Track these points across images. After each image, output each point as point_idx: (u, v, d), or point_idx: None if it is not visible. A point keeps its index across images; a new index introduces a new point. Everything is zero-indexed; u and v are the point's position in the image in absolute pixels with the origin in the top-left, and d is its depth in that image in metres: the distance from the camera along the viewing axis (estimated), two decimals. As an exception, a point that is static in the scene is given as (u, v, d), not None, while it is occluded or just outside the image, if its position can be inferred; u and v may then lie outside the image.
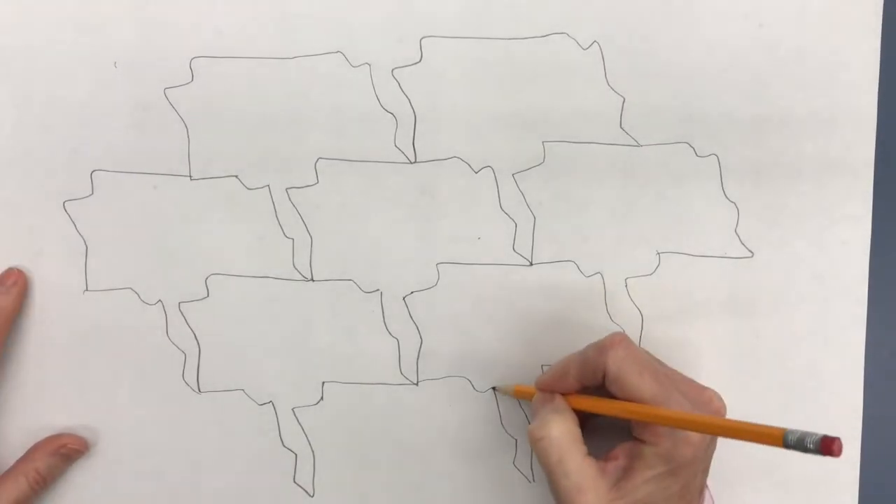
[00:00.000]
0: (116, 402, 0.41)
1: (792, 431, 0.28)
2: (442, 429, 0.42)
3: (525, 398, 0.40)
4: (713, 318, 0.41)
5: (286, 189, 0.41)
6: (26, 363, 0.41)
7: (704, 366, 0.41)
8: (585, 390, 0.37)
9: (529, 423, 0.37)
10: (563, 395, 0.37)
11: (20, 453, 0.40)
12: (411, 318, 0.41)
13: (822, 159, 0.41)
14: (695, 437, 0.34)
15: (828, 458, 0.41)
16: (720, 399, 0.36)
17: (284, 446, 0.42)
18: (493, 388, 0.41)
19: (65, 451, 0.40)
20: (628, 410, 0.34)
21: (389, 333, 0.41)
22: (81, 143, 0.41)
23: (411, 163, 0.41)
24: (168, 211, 0.41)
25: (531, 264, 0.41)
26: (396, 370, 0.41)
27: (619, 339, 0.35)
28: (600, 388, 0.36)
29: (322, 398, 0.42)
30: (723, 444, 0.41)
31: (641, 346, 0.41)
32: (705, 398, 0.36)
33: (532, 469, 0.42)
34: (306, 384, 0.42)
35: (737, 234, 0.41)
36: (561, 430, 0.35)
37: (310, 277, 0.41)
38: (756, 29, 0.40)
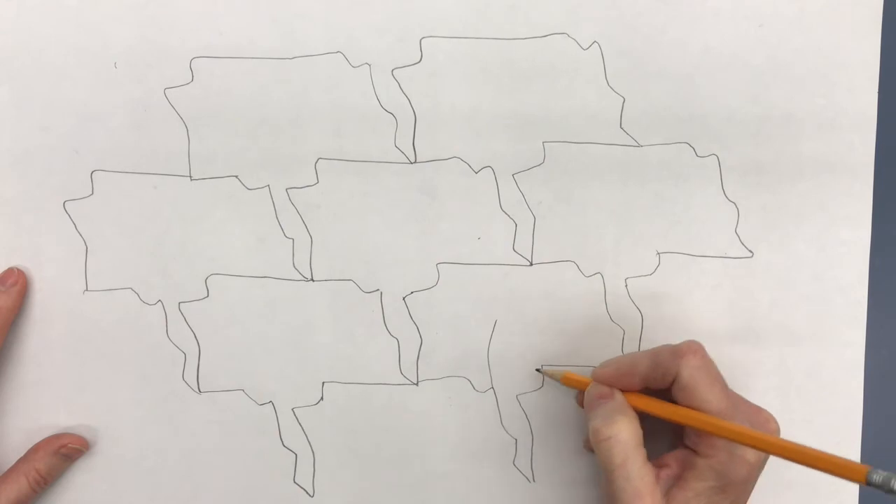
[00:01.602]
0: (116, 402, 0.41)
1: (877, 472, 0.28)
2: (442, 429, 0.42)
3: (573, 387, 0.39)
4: (713, 319, 0.41)
5: (286, 189, 0.41)
6: (26, 363, 0.41)
7: (704, 366, 0.41)
8: (643, 391, 0.37)
9: (590, 422, 0.36)
10: (623, 391, 0.37)
11: (20, 453, 0.41)
12: (411, 318, 0.41)
13: (822, 159, 0.41)
14: (751, 456, 0.34)
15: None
16: (775, 421, 0.37)
17: (284, 446, 0.42)
18: (539, 370, 0.41)
19: (65, 451, 0.40)
20: (700, 420, 0.34)
21: (389, 333, 0.41)
22: (81, 143, 0.41)
23: (411, 163, 0.41)
24: (168, 211, 0.41)
25: (531, 264, 0.41)
26: (396, 370, 0.41)
27: (696, 347, 0.35)
28: (661, 391, 0.36)
29: (322, 398, 0.42)
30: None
31: (641, 346, 0.41)
32: (762, 419, 0.36)
33: (532, 469, 0.42)
34: (306, 384, 0.42)
35: (737, 234, 0.41)
36: (629, 432, 0.35)
37: (310, 277, 0.41)
38: (756, 29, 0.40)
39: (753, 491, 0.41)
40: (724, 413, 0.34)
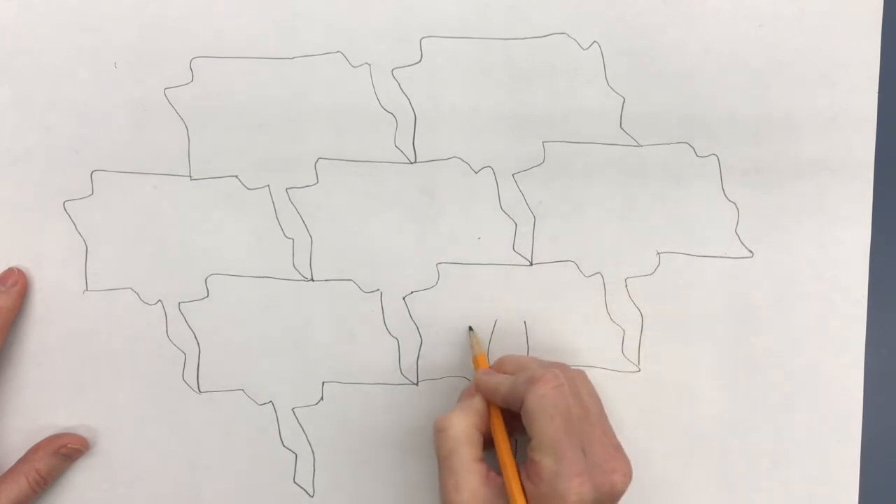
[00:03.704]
0: (116, 402, 0.41)
1: None
2: (442, 429, 0.42)
3: (475, 367, 0.39)
4: (713, 318, 0.41)
5: (286, 189, 0.41)
6: (26, 363, 0.41)
7: (705, 366, 0.41)
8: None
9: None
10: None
11: (20, 453, 0.41)
12: (411, 318, 0.41)
13: (822, 159, 0.41)
14: (572, 497, 0.32)
15: (827, 457, 0.42)
16: (625, 476, 0.34)
17: (284, 446, 0.42)
18: (470, 328, 0.41)
19: (65, 451, 0.40)
20: (502, 461, 0.35)
21: (389, 333, 0.41)
22: (81, 143, 0.41)
23: (411, 163, 0.41)
24: (168, 211, 0.41)
25: (531, 264, 0.41)
26: (396, 370, 0.41)
27: (552, 377, 0.35)
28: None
29: (322, 398, 0.42)
30: (723, 442, 0.41)
31: (641, 346, 0.41)
32: (608, 469, 0.34)
33: (532, 469, 0.42)
34: (306, 384, 0.42)
35: (737, 234, 0.41)
36: (460, 428, 0.35)
37: (310, 277, 0.41)
38: (756, 29, 0.40)
39: (751, 492, 0.42)
40: (556, 452, 0.33)
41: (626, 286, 0.41)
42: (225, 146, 0.41)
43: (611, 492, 0.33)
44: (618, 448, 0.35)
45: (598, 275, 0.41)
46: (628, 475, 0.34)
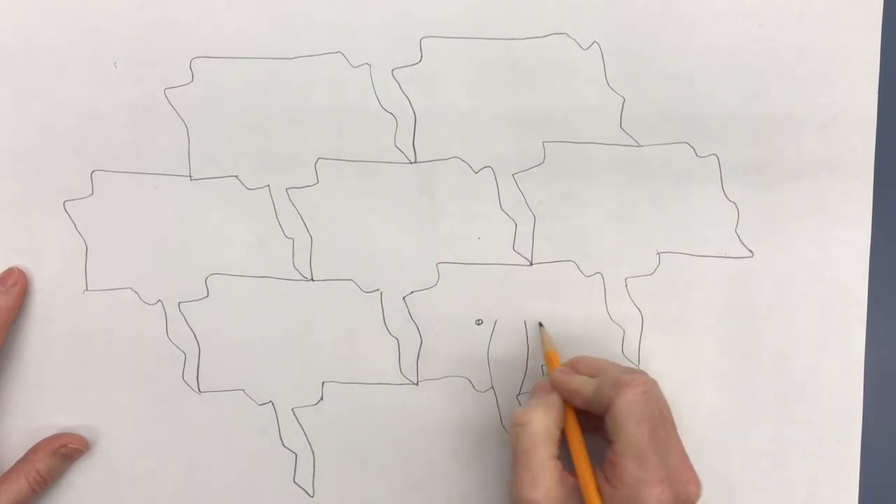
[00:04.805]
0: (116, 402, 0.41)
1: None
2: (442, 429, 0.42)
3: (548, 365, 0.39)
4: (713, 318, 0.41)
5: (286, 189, 0.41)
6: (26, 363, 0.41)
7: (705, 366, 0.41)
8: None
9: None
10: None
11: (20, 453, 0.41)
12: (411, 318, 0.41)
13: (822, 159, 0.41)
14: (651, 500, 0.33)
15: (827, 457, 0.42)
16: (698, 489, 0.34)
17: (284, 446, 0.42)
18: (541, 325, 0.41)
19: (65, 451, 0.40)
20: (577, 461, 0.35)
21: (389, 333, 0.41)
22: (81, 143, 0.41)
23: (411, 163, 0.41)
24: (168, 211, 0.41)
25: (531, 264, 0.41)
26: (396, 370, 0.41)
27: (640, 381, 0.35)
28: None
29: (322, 398, 0.42)
30: (722, 442, 0.41)
31: (641, 346, 0.41)
32: (685, 479, 0.34)
33: (532, 469, 0.42)
34: (306, 384, 0.42)
35: (737, 234, 0.41)
36: (540, 424, 0.35)
37: (310, 277, 0.41)
38: (756, 29, 0.40)
39: (751, 492, 0.42)
40: (641, 457, 0.33)
41: (626, 286, 0.41)
42: (225, 146, 0.41)
43: (686, 502, 0.34)
44: (688, 459, 0.35)
45: (598, 275, 0.41)
46: (700, 488, 0.35)
